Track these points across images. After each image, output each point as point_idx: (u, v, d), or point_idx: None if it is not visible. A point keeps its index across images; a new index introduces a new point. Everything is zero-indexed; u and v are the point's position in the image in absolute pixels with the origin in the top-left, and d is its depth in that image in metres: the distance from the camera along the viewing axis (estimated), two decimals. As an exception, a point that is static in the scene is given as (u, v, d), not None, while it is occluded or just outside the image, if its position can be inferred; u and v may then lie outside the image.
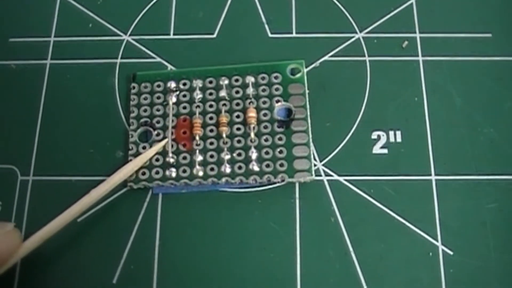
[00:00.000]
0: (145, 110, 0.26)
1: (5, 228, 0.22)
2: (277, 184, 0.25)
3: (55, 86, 0.27)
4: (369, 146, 0.25)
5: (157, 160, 0.25)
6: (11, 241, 0.22)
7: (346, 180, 0.25)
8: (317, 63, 0.27)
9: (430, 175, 0.25)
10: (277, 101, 0.25)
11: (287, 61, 0.26)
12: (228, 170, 0.24)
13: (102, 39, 0.28)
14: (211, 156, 0.25)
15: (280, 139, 0.25)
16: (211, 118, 0.25)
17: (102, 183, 0.24)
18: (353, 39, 0.27)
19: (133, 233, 0.24)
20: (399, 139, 0.25)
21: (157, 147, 0.25)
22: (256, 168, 0.24)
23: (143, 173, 0.24)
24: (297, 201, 0.25)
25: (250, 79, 0.26)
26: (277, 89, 0.25)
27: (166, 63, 0.27)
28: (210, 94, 0.26)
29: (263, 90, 0.25)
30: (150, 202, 0.25)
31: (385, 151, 0.25)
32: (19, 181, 0.25)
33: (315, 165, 0.25)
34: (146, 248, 0.24)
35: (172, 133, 0.25)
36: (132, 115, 0.26)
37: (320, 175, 0.25)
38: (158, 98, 0.26)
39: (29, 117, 0.26)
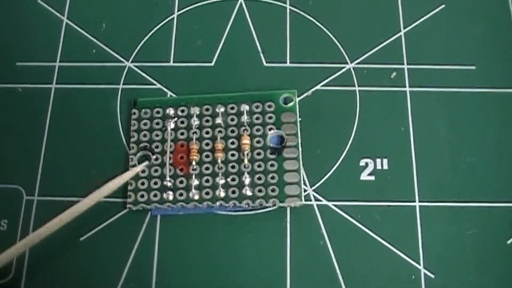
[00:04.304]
0: (144, 135, 0.27)
1: None
2: (269, 208, 0.26)
3: (60, 110, 0.28)
4: (357, 173, 0.26)
5: (155, 183, 0.26)
6: None
7: (334, 205, 0.26)
8: (309, 92, 0.28)
9: (415, 201, 0.26)
10: (270, 129, 0.26)
11: (280, 91, 0.27)
12: (222, 194, 0.25)
13: (105, 65, 0.29)
14: (207, 181, 0.26)
15: (272, 165, 0.26)
16: (207, 144, 0.26)
17: (93, 192, 0.25)
18: (344, 70, 0.28)
19: (133, 252, 0.25)
20: (386, 167, 0.26)
21: (142, 165, 0.26)
22: (249, 193, 0.25)
23: (142, 196, 0.26)
24: (288, 224, 0.26)
25: (244, 107, 0.27)
26: (270, 118, 0.27)
27: (165, 90, 0.28)
28: (207, 121, 0.27)
29: (257, 118, 0.27)
30: (149, 223, 0.26)
31: (372, 178, 0.26)
32: (24, 201, 0.26)
33: (305, 191, 0.26)
34: (145, 267, 0.25)
35: (170, 158, 0.26)
36: (132, 139, 0.27)
37: (310, 200, 0.26)
38: (157, 124, 0.27)
39: (34, 139, 0.27)
